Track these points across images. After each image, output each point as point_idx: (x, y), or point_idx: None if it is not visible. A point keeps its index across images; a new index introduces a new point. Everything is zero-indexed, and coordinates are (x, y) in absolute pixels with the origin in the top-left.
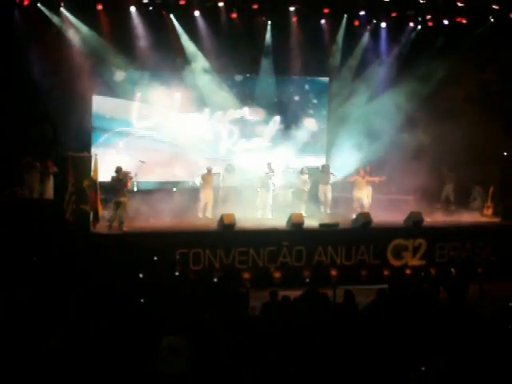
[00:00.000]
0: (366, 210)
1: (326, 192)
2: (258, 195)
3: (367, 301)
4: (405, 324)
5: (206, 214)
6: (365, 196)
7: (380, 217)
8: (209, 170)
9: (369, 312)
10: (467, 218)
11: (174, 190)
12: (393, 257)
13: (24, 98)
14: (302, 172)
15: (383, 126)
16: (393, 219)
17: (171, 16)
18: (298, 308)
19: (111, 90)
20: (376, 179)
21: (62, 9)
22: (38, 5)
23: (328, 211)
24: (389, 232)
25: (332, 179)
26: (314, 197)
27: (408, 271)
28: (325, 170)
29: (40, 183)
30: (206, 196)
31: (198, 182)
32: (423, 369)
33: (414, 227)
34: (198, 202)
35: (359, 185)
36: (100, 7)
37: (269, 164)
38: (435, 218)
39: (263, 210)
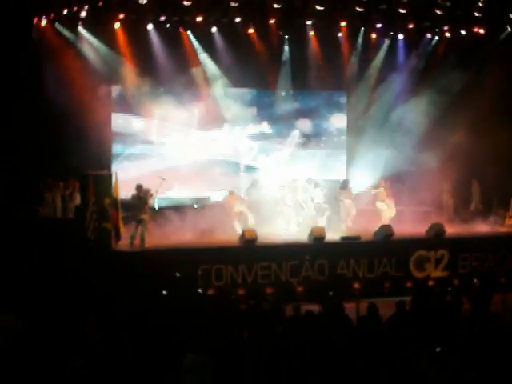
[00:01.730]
0: (387, 222)
1: (347, 206)
2: (284, 209)
3: (390, 313)
4: (428, 336)
5: (247, 224)
6: (386, 208)
7: (402, 229)
8: (231, 192)
9: (391, 325)
10: (489, 228)
11: (195, 206)
12: (415, 268)
13: (43, 117)
14: (315, 186)
15: (403, 138)
16: (414, 231)
17: (188, 33)
18: (322, 322)
19: (130, 108)
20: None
21: (79, 28)
22: (56, 25)
23: (349, 224)
24: (411, 244)
25: (352, 193)
26: (334, 210)
27: (431, 283)
28: (345, 184)
29: (62, 202)
30: (235, 211)
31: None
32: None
33: (435, 238)
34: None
35: (381, 196)
36: (117, 25)
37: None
38: (457, 228)
39: (289, 223)
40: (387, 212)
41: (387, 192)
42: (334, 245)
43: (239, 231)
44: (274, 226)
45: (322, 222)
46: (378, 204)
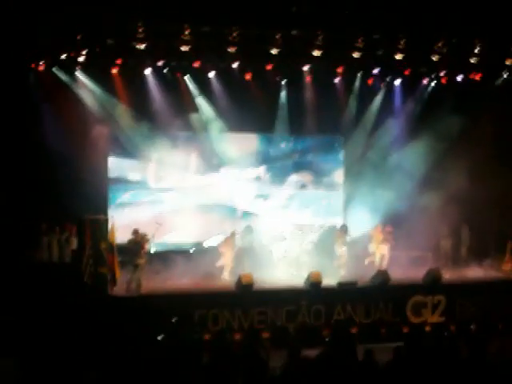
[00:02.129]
0: (382, 267)
1: (343, 252)
2: (276, 255)
3: (387, 359)
4: (425, 381)
5: (224, 276)
6: (380, 253)
7: (398, 274)
8: (232, 234)
9: (388, 370)
10: (485, 273)
11: (191, 251)
12: (412, 314)
13: (39, 161)
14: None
15: (400, 181)
16: (411, 276)
17: (186, 77)
18: (319, 368)
19: (127, 152)
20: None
21: (77, 72)
22: (54, 69)
23: (344, 270)
24: (408, 289)
25: (348, 239)
26: (328, 254)
27: (427, 328)
28: (342, 229)
29: (58, 246)
30: (228, 258)
31: (217, 243)
32: None
33: (432, 284)
34: (221, 264)
35: (376, 240)
36: (115, 71)
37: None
38: (453, 273)
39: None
40: (380, 258)
41: (384, 237)
42: (330, 290)
43: (225, 276)
44: (270, 271)
45: (317, 268)
46: (372, 246)
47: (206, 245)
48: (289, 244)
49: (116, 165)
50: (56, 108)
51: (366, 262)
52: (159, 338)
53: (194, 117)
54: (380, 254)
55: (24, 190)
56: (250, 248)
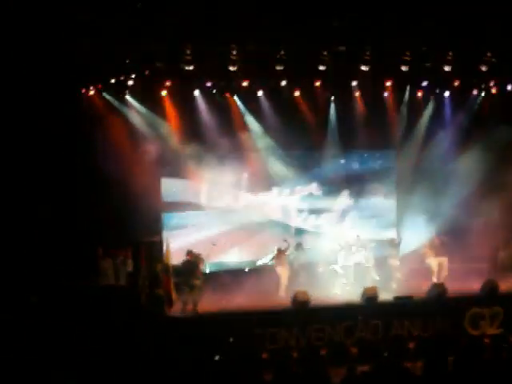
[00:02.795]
0: (439, 280)
1: (397, 265)
2: (331, 271)
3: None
4: None
5: (280, 293)
6: (437, 265)
7: (455, 286)
8: (279, 250)
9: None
10: None
11: (246, 269)
12: (470, 326)
13: (92, 185)
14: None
15: (454, 193)
16: (468, 288)
17: (235, 97)
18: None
19: (178, 174)
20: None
21: (126, 96)
22: (104, 94)
23: (397, 284)
24: (465, 301)
25: (401, 252)
26: (384, 270)
27: (486, 340)
28: (394, 243)
29: (114, 270)
30: (282, 274)
31: (269, 260)
32: None
33: (490, 295)
34: (278, 281)
35: (431, 254)
36: (164, 93)
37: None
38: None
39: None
40: (438, 270)
41: (438, 249)
42: (387, 305)
43: (281, 294)
44: (325, 287)
45: (372, 282)
46: (428, 262)
47: (259, 263)
48: (343, 259)
49: (169, 186)
50: (107, 132)
51: (422, 276)
52: (216, 358)
53: (243, 136)
54: (438, 265)
55: (78, 214)
56: (303, 265)
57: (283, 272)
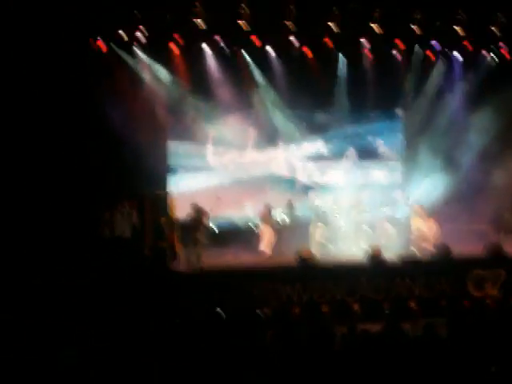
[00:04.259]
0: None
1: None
2: (316, 230)
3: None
4: (485, 354)
5: (265, 249)
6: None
7: (459, 248)
8: (267, 207)
9: (449, 343)
10: None
11: (250, 225)
12: (473, 288)
13: (98, 138)
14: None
15: (461, 156)
16: (472, 250)
17: (243, 52)
18: (378, 341)
19: (186, 131)
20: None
21: (134, 48)
22: (111, 45)
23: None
24: (468, 263)
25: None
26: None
27: (489, 301)
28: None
29: (119, 222)
30: (267, 232)
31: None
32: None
33: (493, 258)
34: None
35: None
36: (173, 46)
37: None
38: None
39: (321, 245)
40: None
41: (425, 212)
42: (390, 264)
43: (263, 248)
44: (329, 245)
45: (377, 241)
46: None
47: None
48: (348, 218)
49: (174, 150)
50: (115, 84)
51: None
52: (218, 310)
53: (251, 92)
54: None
55: (84, 166)
56: (293, 223)
57: (266, 229)
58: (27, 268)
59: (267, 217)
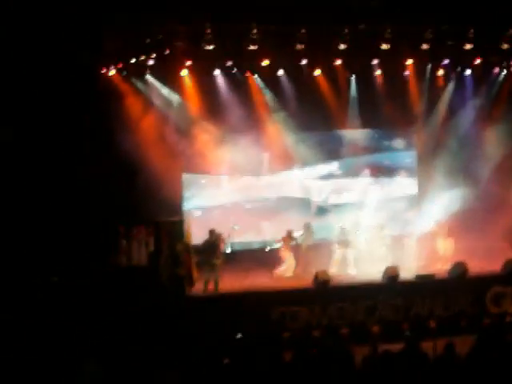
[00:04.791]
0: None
1: (414, 245)
2: (336, 251)
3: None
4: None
5: (287, 274)
6: (444, 247)
7: (476, 265)
8: (289, 232)
9: (470, 362)
10: None
11: (267, 249)
12: (492, 305)
13: (113, 166)
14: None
15: (475, 172)
16: (489, 267)
17: (255, 77)
18: (400, 362)
19: (198, 156)
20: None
21: (147, 76)
22: (123, 74)
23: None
24: (486, 280)
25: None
26: (405, 249)
27: (508, 318)
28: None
29: (136, 249)
30: (288, 256)
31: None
32: None
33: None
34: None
35: (439, 236)
36: (184, 72)
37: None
38: None
39: (341, 266)
40: (444, 252)
41: (446, 231)
42: (408, 284)
43: (282, 273)
44: (338, 267)
45: (392, 262)
46: (438, 243)
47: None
48: (364, 239)
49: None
50: (128, 112)
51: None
52: (238, 335)
53: (264, 116)
54: (442, 247)
55: (100, 194)
56: (312, 245)
57: (287, 255)
58: (46, 300)
59: (288, 241)
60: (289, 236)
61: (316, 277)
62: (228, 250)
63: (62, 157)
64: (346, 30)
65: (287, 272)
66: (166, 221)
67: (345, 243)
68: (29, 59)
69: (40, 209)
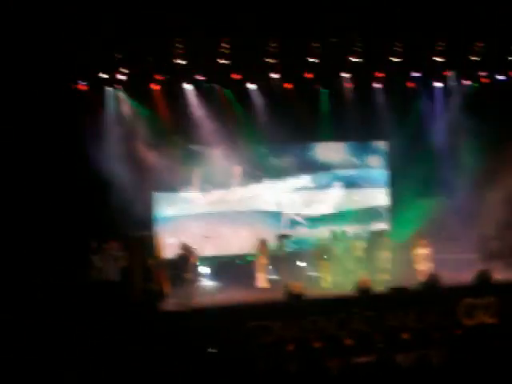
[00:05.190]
0: (424, 272)
1: (387, 257)
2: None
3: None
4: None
5: (262, 284)
6: (417, 258)
7: (447, 277)
8: (262, 242)
9: (443, 372)
10: None
11: (237, 261)
12: (465, 316)
13: (84, 181)
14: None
15: (445, 185)
16: (460, 279)
17: (226, 91)
18: (372, 374)
19: (169, 170)
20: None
21: (118, 91)
22: (93, 88)
23: (389, 276)
24: (458, 292)
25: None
26: (373, 260)
27: (480, 330)
28: (383, 235)
29: (107, 265)
30: (262, 265)
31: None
32: None
33: (483, 285)
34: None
35: (416, 248)
36: (155, 87)
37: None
38: (505, 274)
39: (314, 278)
40: (422, 262)
41: (418, 242)
42: (380, 296)
43: (261, 283)
44: (310, 280)
45: (362, 274)
46: (415, 253)
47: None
48: (336, 251)
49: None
50: (98, 126)
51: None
52: (210, 350)
53: (235, 130)
54: (422, 257)
55: (70, 208)
56: (285, 256)
57: (262, 263)
58: (17, 313)
59: (263, 250)
60: (263, 244)
61: (288, 290)
62: (200, 264)
63: (33, 171)
64: (317, 44)
65: (262, 282)
66: (137, 235)
67: (318, 255)
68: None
69: (12, 223)
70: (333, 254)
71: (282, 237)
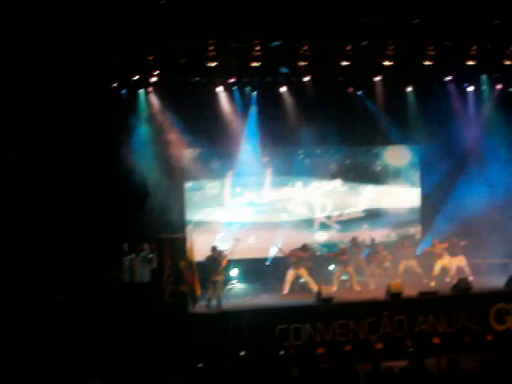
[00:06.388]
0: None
1: (413, 263)
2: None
3: (472, 367)
4: None
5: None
6: (450, 264)
7: (479, 282)
8: (303, 248)
9: (475, 379)
10: None
11: (267, 263)
12: (495, 321)
13: (117, 183)
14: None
15: (477, 189)
16: (492, 284)
17: (256, 93)
18: (403, 379)
19: (203, 173)
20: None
21: (149, 94)
22: (125, 91)
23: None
24: (490, 297)
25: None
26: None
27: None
28: (415, 240)
29: (138, 267)
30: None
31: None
32: None
33: None
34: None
35: (437, 254)
36: (187, 90)
37: (354, 238)
38: None
39: (345, 282)
40: (455, 270)
41: (453, 249)
42: (411, 300)
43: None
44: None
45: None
46: (439, 262)
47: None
48: (367, 255)
49: (191, 186)
50: (130, 128)
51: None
52: (242, 353)
53: (267, 132)
54: (455, 266)
55: (103, 211)
56: (315, 262)
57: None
58: (50, 317)
59: (296, 257)
60: (297, 252)
61: (318, 293)
62: (231, 267)
63: (68, 173)
64: (349, 47)
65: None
66: (168, 237)
67: (348, 260)
68: (35, 74)
69: (46, 227)
70: (361, 259)
71: (313, 240)
